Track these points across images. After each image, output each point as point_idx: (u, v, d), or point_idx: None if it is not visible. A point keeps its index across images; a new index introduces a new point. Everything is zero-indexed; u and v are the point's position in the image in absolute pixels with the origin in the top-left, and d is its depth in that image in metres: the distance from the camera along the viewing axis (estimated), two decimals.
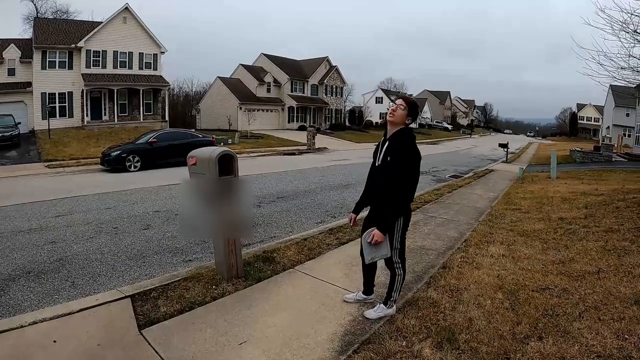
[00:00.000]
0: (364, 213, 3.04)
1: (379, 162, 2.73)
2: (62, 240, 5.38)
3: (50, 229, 5.96)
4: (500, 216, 7.14)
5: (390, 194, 2.61)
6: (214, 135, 17.84)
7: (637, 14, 7.42)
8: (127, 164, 13.00)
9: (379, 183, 2.72)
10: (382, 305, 2.99)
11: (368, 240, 2.68)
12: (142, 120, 26.12)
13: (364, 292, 3.25)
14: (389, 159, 2.62)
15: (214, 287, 3.53)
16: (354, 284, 3.64)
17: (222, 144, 20.29)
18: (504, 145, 22.54)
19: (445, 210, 7.47)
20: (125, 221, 6.38)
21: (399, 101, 2.71)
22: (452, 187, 10.38)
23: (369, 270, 3.14)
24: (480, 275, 3.91)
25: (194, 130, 20.87)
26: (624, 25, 7.59)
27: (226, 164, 3.42)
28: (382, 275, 3.54)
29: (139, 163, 13.22)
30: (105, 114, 25.57)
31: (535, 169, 17.63)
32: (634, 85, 18.63)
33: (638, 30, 7.07)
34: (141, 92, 26.00)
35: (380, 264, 3.08)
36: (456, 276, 3.90)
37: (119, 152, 13.23)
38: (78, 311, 3.08)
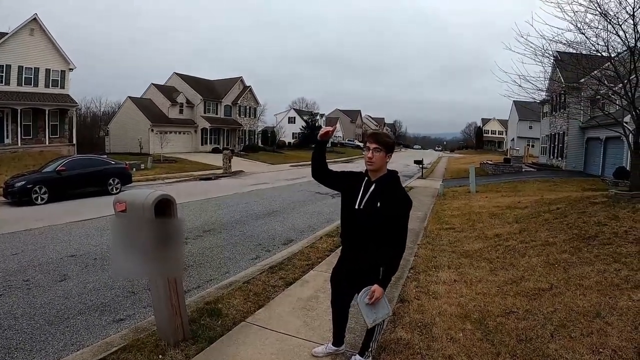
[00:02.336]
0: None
1: (362, 206, 2.62)
2: None
3: None
4: (437, 237, 7.67)
5: (395, 248, 2.59)
6: (127, 162, 17.86)
7: (556, 40, 8.96)
8: (34, 195, 12.75)
9: (367, 230, 2.62)
10: (358, 356, 2.92)
11: (367, 301, 2.56)
12: (47, 143, 25.72)
13: (334, 344, 3.16)
14: (379, 205, 2.57)
15: (160, 356, 3.18)
16: (317, 333, 3.54)
17: (134, 169, 20.62)
18: (419, 162, 24.91)
19: None
20: (37, 271, 5.86)
21: (372, 145, 2.59)
22: None
23: (340, 320, 3.06)
24: (442, 306, 4.10)
25: (105, 156, 20.90)
26: (544, 51, 9.10)
27: (163, 211, 3.13)
28: (350, 321, 3.49)
29: (47, 195, 13.00)
30: (7, 137, 24.43)
31: (452, 184, 19.59)
32: (538, 101, 22.03)
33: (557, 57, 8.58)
34: (47, 112, 25.59)
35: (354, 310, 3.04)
36: (418, 310, 4.02)
37: (23, 182, 12.91)
38: None
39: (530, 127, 47.77)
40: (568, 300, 3.96)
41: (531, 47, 9.37)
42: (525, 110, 45.27)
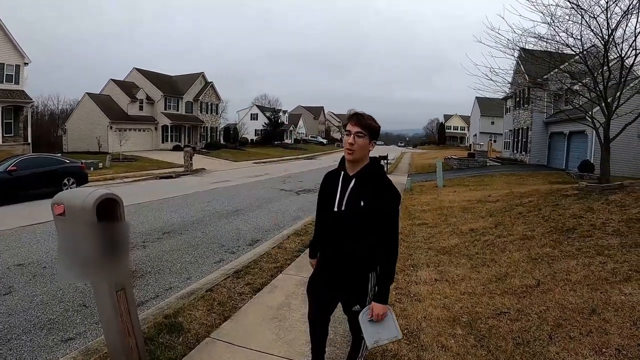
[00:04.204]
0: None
1: (343, 207, 2.24)
2: None
3: None
4: (410, 234, 7.53)
5: (389, 252, 2.23)
6: (82, 161, 17.48)
7: (527, 33, 9.05)
8: None
9: (351, 235, 2.24)
10: None
11: (370, 319, 2.23)
12: (1, 142, 24.88)
13: None
14: (362, 204, 2.19)
15: None
16: (293, 348, 3.19)
17: (91, 169, 20.60)
18: (383, 157, 25.18)
19: None
20: None
21: (354, 129, 2.18)
22: None
23: (320, 335, 2.69)
24: (426, 309, 3.87)
25: (60, 154, 20.03)
26: (513, 44, 9.18)
27: (107, 213, 2.66)
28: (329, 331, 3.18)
29: None
30: None
31: (419, 179, 19.78)
32: (501, 97, 22.50)
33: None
34: (1, 109, 24.86)
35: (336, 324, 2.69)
36: (401, 314, 3.77)
37: None
38: None
39: (493, 123, 49.64)
40: (559, 297, 3.83)
41: (501, 41, 9.47)
42: (487, 106, 46.96)
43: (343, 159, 2.33)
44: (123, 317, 2.79)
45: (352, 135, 2.17)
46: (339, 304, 2.54)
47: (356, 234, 2.22)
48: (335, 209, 2.26)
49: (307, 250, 2.42)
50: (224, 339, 3.42)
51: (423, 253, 6.05)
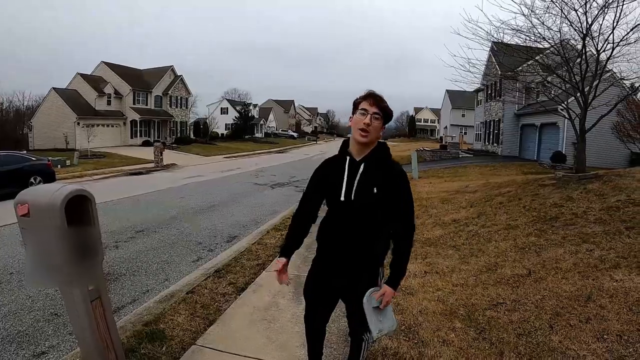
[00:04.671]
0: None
1: (352, 196, 2.04)
2: None
3: None
4: None
5: (407, 238, 2.09)
6: (49, 158, 16.70)
7: (505, 25, 9.15)
8: None
9: (362, 225, 2.07)
10: None
11: (376, 305, 2.04)
12: None
13: None
14: (375, 190, 2.02)
15: None
16: (287, 351, 3.03)
17: (59, 166, 20.00)
18: None
19: None
20: None
21: (372, 108, 2.00)
22: None
23: (319, 338, 2.49)
24: (421, 303, 3.80)
25: (25, 152, 19.46)
26: (490, 35, 9.26)
27: (78, 212, 2.41)
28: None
29: None
30: None
31: None
32: (472, 90, 22.87)
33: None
34: None
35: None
36: (396, 309, 3.67)
37: None
38: None
39: (463, 115, 50.68)
40: (553, 286, 3.83)
41: (478, 33, 9.55)
42: (458, 99, 47.90)
43: (345, 143, 2.16)
44: (100, 329, 2.53)
45: (368, 115, 1.99)
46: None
47: (367, 224, 2.06)
48: (343, 199, 2.05)
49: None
50: (211, 345, 3.20)
51: None
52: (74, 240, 2.35)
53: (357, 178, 2.04)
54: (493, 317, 3.37)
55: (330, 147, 48.14)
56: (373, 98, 2.03)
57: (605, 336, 2.87)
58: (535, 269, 4.36)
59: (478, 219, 7.07)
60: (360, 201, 2.03)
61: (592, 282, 3.80)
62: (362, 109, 2.02)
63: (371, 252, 2.11)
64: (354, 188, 2.04)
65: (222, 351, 3.10)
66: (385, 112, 2.03)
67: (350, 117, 2.10)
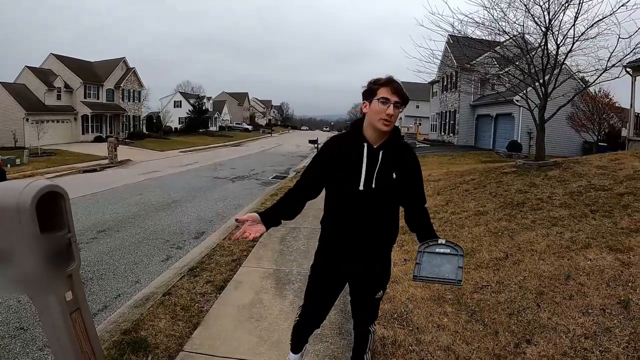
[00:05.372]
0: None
1: (373, 184, 2.00)
2: None
3: None
4: None
5: (426, 210, 2.13)
6: (0, 157, 16.10)
7: (468, 18, 9.40)
8: None
9: (382, 214, 2.06)
10: None
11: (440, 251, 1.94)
12: None
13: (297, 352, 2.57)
14: (395, 176, 2.01)
15: None
16: (283, 350, 2.92)
17: (9, 165, 19.56)
18: (313, 142, 25.72)
19: (302, 218, 7.39)
20: None
21: (393, 97, 1.93)
22: (285, 189, 10.67)
23: (312, 329, 2.43)
24: (407, 290, 3.85)
25: None
26: (455, 29, 9.51)
27: (50, 211, 2.15)
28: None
29: None
30: None
31: None
32: (427, 82, 23.45)
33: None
34: None
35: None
36: (384, 298, 3.69)
37: None
38: None
39: (418, 107, 52.13)
40: (532, 267, 3.99)
41: (439, 24, 9.82)
42: (412, 90, 48.82)
43: (357, 126, 2.08)
44: (82, 346, 2.31)
45: (391, 105, 1.92)
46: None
47: (387, 209, 2.05)
48: (362, 188, 1.99)
49: (261, 239, 2.07)
50: (200, 350, 3.04)
51: None
52: (47, 245, 2.11)
53: (378, 167, 1.99)
54: (481, 299, 3.47)
55: (285, 140, 48.12)
56: (394, 86, 1.95)
57: (589, 310, 3.02)
58: (512, 252, 4.52)
59: (447, 207, 7.25)
60: (381, 188, 2.00)
61: (567, 262, 3.98)
62: (383, 98, 1.93)
63: (389, 235, 2.11)
64: (375, 177, 1.99)
65: (213, 355, 2.97)
66: (405, 100, 1.99)
67: (364, 103, 2.01)
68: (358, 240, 2.08)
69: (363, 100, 2.03)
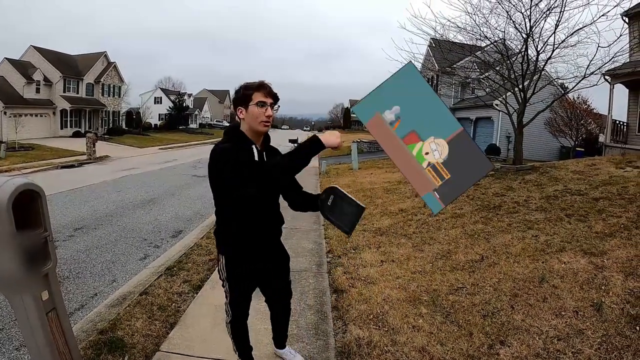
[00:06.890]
0: None
1: None
2: None
3: None
4: None
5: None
6: None
7: (451, 23, 9.55)
8: None
9: (276, 204, 2.43)
10: None
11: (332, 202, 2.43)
12: None
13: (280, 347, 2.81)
14: None
15: None
16: (259, 350, 2.86)
17: None
18: (294, 141, 25.61)
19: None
20: None
21: (268, 99, 2.14)
22: None
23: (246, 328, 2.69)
24: (383, 291, 3.86)
25: None
26: (437, 32, 9.63)
27: (26, 209, 2.09)
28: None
29: None
30: None
31: (331, 161, 20.19)
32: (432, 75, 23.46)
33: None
34: None
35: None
36: (360, 299, 3.71)
37: None
38: None
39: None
40: (507, 269, 4.06)
41: (421, 27, 9.93)
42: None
43: (239, 132, 2.17)
44: (58, 345, 2.26)
45: (268, 107, 2.09)
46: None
47: (277, 202, 2.36)
48: None
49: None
50: (177, 350, 3.01)
51: (360, 235, 6.06)
52: (23, 244, 2.05)
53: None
54: (456, 301, 3.51)
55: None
56: (266, 88, 2.10)
57: (562, 313, 3.09)
58: (487, 255, 4.60)
59: (425, 208, 7.32)
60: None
61: (542, 264, 4.07)
62: (259, 101, 2.06)
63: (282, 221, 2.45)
64: None
65: (190, 355, 2.93)
66: (277, 99, 2.16)
67: (240, 109, 2.11)
68: (269, 232, 2.38)
69: (237, 106, 2.14)
